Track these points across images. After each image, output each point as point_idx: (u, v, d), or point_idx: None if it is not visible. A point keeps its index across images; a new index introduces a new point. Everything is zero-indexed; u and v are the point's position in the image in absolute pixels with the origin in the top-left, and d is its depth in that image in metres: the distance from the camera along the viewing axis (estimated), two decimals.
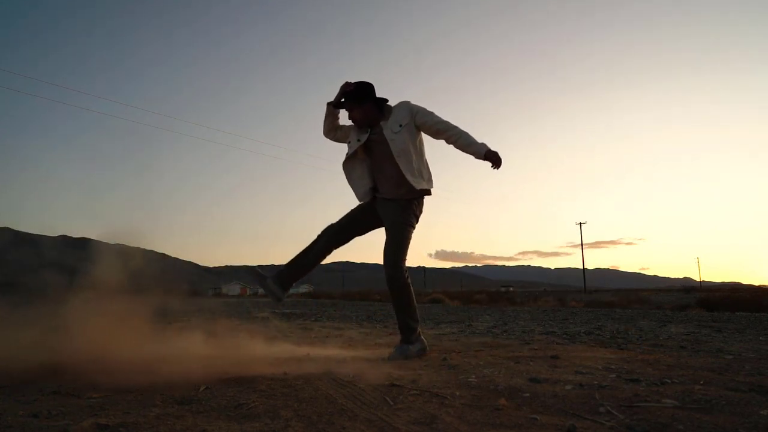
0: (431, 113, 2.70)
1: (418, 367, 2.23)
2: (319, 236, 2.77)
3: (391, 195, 2.70)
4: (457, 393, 1.68)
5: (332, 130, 2.93)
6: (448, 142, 2.66)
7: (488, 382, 1.85)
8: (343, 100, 2.74)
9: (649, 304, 12.48)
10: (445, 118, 2.69)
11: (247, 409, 1.46)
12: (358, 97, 2.74)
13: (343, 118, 2.85)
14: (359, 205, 2.81)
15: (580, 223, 50.35)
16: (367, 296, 24.20)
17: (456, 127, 2.64)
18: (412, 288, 2.66)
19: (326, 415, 1.39)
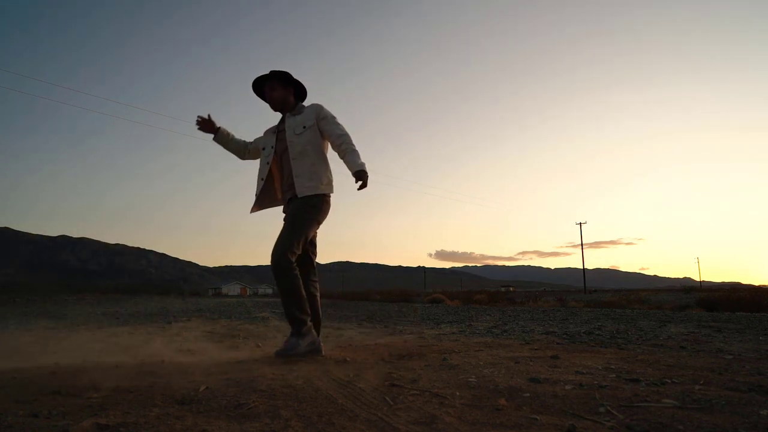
0: (337, 124, 2.75)
1: (418, 367, 2.23)
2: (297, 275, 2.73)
3: (290, 195, 2.72)
4: (457, 393, 1.68)
5: (242, 152, 3.04)
6: (339, 154, 2.71)
7: (488, 382, 1.85)
8: (267, 77, 2.79)
9: (649, 304, 12.48)
10: (347, 132, 2.72)
11: (247, 409, 1.46)
12: (284, 78, 2.82)
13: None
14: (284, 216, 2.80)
15: (580, 223, 50.38)
16: (367, 296, 24.19)
17: (351, 145, 2.67)
18: (299, 280, 2.56)
19: (326, 415, 1.39)
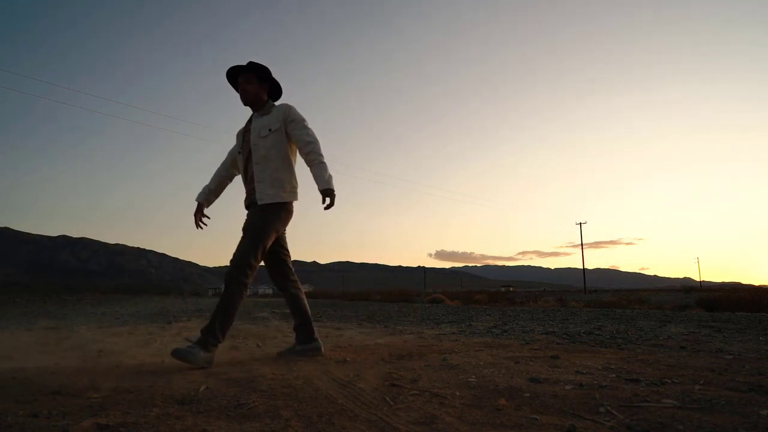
0: (305, 128, 2.60)
1: (418, 367, 2.23)
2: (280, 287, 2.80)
3: (250, 200, 2.61)
4: (457, 393, 1.68)
5: (229, 179, 2.94)
6: (306, 163, 2.57)
7: (488, 382, 1.85)
8: (242, 68, 2.67)
9: (649, 304, 12.48)
10: (316, 139, 2.59)
11: (247, 409, 1.46)
12: (262, 73, 2.68)
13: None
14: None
15: (580, 223, 50.38)
16: (367, 296, 24.20)
17: (319, 156, 2.53)
18: (241, 301, 2.41)
19: (326, 415, 1.39)
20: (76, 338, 3.86)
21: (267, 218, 2.51)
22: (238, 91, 2.70)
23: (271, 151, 2.57)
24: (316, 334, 2.78)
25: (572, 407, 1.47)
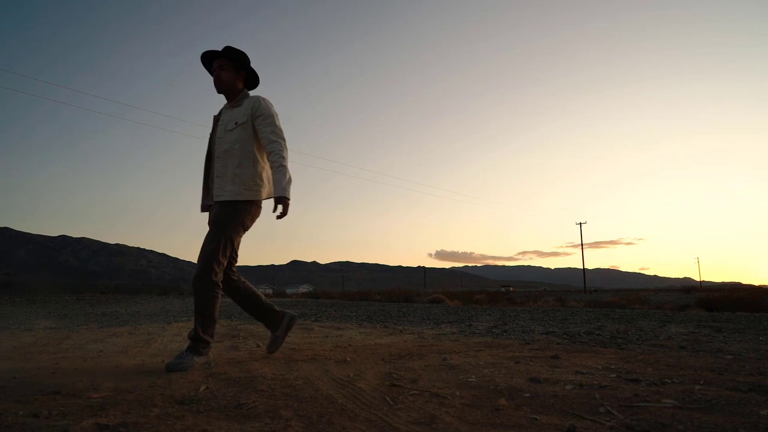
0: (273, 124, 2.43)
1: (418, 367, 2.23)
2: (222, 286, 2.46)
3: (213, 199, 2.47)
4: (457, 393, 1.68)
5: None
6: (268, 159, 2.45)
7: (488, 382, 1.85)
8: (219, 52, 2.51)
9: (649, 304, 12.48)
10: (282, 138, 2.42)
11: (247, 409, 1.46)
12: (239, 60, 2.52)
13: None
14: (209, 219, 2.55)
15: (580, 223, 50.33)
16: (367, 296, 24.21)
17: (281, 158, 2.38)
18: (217, 300, 2.34)
19: (326, 415, 1.39)
20: (76, 338, 3.85)
21: (232, 216, 2.37)
22: (213, 76, 2.55)
23: (235, 146, 2.42)
24: (279, 308, 2.72)
25: (572, 407, 1.47)
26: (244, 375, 2.02)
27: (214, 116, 2.62)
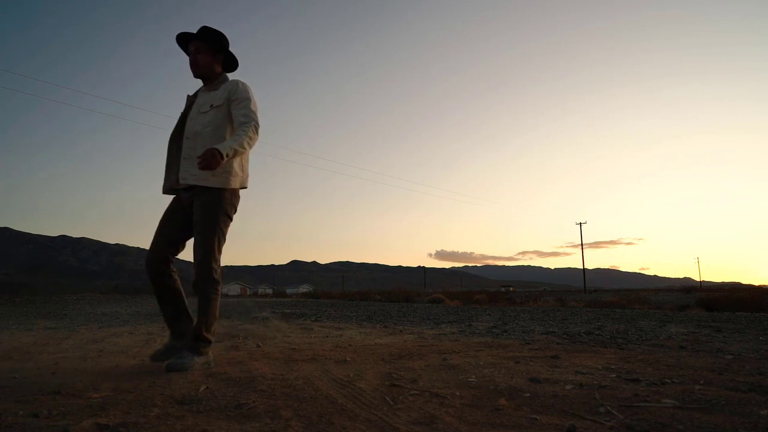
0: (247, 107, 2.28)
1: (418, 367, 2.23)
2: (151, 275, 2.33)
3: (179, 181, 2.31)
4: (457, 393, 1.68)
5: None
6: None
7: (488, 382, 1.85)
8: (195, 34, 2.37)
9: (649, 304, 12.48)
10: (256, 119, 2.27)
11: (247, 409, 1.46)
12: (216, 42, 2.38)
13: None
14: (167, 208, 2.41)
15: (580, 223, 50.35)
16: (367, 296, 24.20)
17: (247, 129, 2.20)
18: (219, 296, 2.32)
19: (326, 415, 1.39)
20: (76, 338, 3.85)
21: (215, 210, 2.26)
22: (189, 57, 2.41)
23: (207, 129, 2.28)
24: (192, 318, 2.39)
25: (572, 407, 1.47)
26: (244, 375, 2.02)
27: (189, 96, 2.49)
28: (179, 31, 2.42)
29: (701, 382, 1.82)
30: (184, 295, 2.44)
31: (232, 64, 2.51)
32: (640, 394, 1.61)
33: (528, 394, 1.64)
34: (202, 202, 2.27)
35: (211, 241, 2.26)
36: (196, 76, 2.43)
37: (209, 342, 2.29)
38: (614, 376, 1.98)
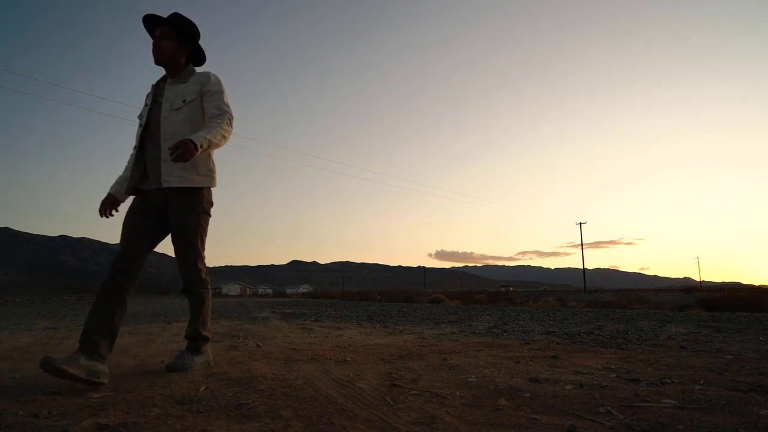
0: (220, 99, 2.19)
1: (418, 367, 2.23)
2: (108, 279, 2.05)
3: (157, 184, 2.16)
4: (457, 393, 1.68)
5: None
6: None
7: (488, 382, 1.85)
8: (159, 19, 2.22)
9: (649, 304, 12.48)
10: (229, 111, 2.18)
11: (247, 409, 1.46)
12: (182, 28, 2.23)
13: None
14: (130, 207, 2.24)
15: (580, 223, 50.37)
16: (367, 296, 24.21)
17: (220, 121, 2.11)
18: (210, 294, 2.32)
19: (326, 415, 1.39)
20: (76, 338, 3.85)
21: (195, 211, 2.19)
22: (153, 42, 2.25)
23: (184, 127, 2.16)
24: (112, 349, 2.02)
25: (572, 407, 1.47)
26: (244, 375, 2.03)
27: (153, 85, 2.33)
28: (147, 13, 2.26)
29: (701, 382, 1.82)
30: (124, 315, 2.09)
31: (199, 58, 2.37)
32: (640, 394, 1.61)
33: (528, 394, 1.64)
34: (182, 203, 2.18)
35: (195, 244, 2.22)
36: (157, 62, 2.26)
37: (207, 339, 2.30)
38: (614, 376, 1.98)
